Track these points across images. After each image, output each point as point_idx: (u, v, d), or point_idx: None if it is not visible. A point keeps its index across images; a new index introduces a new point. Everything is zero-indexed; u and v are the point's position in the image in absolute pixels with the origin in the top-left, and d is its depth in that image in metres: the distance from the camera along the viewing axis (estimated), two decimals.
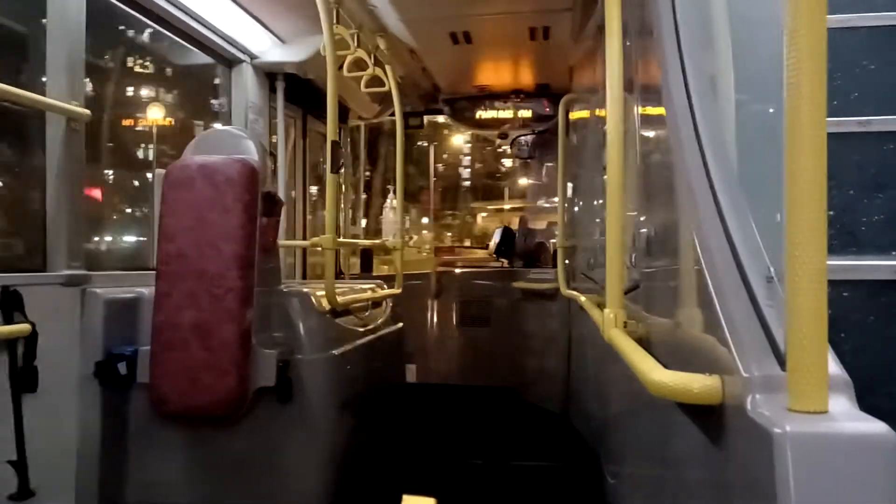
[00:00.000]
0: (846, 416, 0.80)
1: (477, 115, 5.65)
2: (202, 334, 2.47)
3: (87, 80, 2.82)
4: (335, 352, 2.97)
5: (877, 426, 0.77)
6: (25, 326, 2.28)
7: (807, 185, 0.80)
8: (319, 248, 3.15)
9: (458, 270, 6.19)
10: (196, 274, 2.49)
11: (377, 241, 5.10)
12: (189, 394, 2.47)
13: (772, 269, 1.02)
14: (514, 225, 6.24)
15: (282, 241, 3.60)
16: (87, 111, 2.62)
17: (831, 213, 0.81)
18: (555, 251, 4.92)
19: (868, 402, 0.85)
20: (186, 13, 3.51)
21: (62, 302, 2.52)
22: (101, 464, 2.60)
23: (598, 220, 3.00)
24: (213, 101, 4.45)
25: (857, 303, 1.35)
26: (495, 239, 5.92)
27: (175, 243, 2.52)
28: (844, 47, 1.81)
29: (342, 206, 5.69)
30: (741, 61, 1.44)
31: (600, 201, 2.84)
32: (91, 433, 2.59)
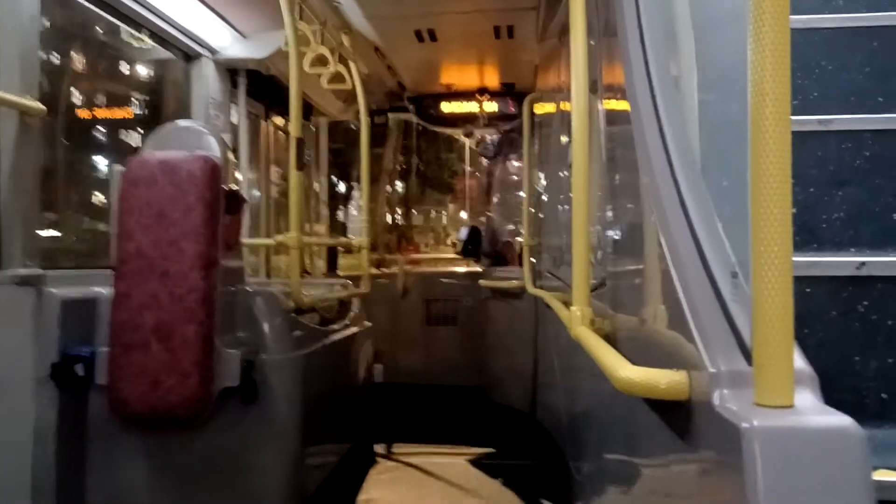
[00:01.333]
0: (812, 411, 0.81)
1: (442, 114, 5.64)
2: (163, 335, 2.42)
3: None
4: (301, 352, 2.93)
5: (842, 420, 0.78)
6: None
7: (771, 183, 0.81)
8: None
9: (424, 270, 6.19)
10: (156, 273, 2.44)
11: (343, 240, 5.07)
12: (150, 396, 2.42)
13: (736, 266, 1.03)
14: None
15: (245, 240, 3.55)
16: (42, 106, 2.55)
17: (793, 210, 0.82)
18: (521, 250, 4.94)
19: (832, 396, 0.86)
20: (143, 6, 3.43)
21: (16, 302, 2.45)
22: (58, 469, 2.53)
23: (563, 219, 3.01)
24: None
25: (819, 299, 1.38)
26: (461, 238, 5.91)
27: (134, 242, 2.46)
28: (805, 48, 1.84)
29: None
30: (705, 60, 1.46)
31: (566, 199, 2.85)
32: (47, 437, 2.51)
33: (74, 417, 2.61)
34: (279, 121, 5.21)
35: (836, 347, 1.35)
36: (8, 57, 2.49)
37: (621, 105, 1.63)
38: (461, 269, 6.09)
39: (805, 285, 1.37)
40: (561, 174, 3.19)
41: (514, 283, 4.90)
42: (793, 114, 0.82)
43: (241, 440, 2.68)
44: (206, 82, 4.11)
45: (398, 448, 4.10)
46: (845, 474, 0.75)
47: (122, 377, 2.43)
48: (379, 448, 4.23)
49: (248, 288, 2.86)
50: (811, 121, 1.66)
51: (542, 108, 4.62)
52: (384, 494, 3.53)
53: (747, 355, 0.90)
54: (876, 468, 1.04)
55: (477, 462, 3.86)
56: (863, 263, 1.40)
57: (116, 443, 2.65)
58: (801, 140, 1.56)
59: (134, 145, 4.29)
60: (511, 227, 6.01)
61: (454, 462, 4.05)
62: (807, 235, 1.53)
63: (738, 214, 1.13)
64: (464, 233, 5.97)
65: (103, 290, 2.66)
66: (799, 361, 0.85)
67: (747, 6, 0.83)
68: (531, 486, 3.57)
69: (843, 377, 1.32)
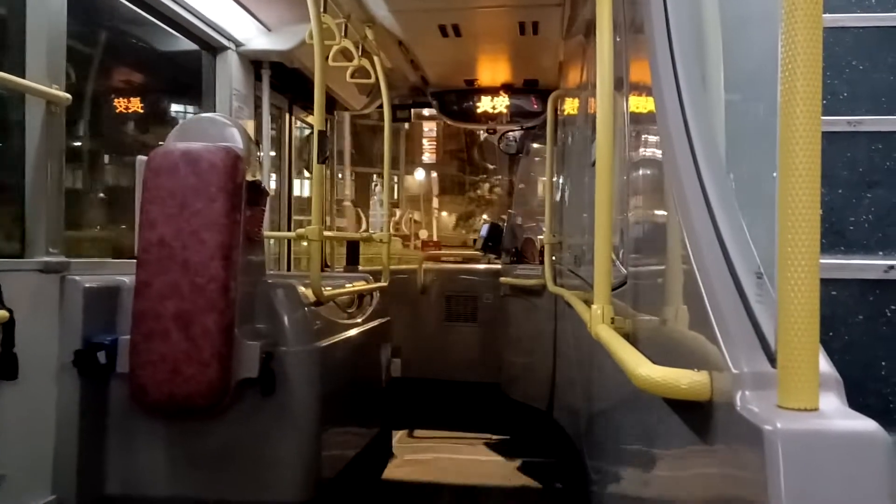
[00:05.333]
0: (837, 414, 0.80)
1: (465, 110, 5.63)
2: (183, 324, 2.44)
3: None
4: (320, 344, 2.94)
5: (867, 424, 0.77)
6: (3, 313, 2.24)
7: (800, 183, 0.80)
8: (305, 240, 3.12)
9: (444, 265, 6.19)
10: (178, 263, 2.46)
11: (364, 234, 5.08)
12: (170, 384, 2.44)
13: (761, 266, 1.02)
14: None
15: (267, 232, 3.57)
16: (68, 95, 2.58)
17: (821, 211, 0.81)
18: (542, 247, 4.92)
19: (857, 400, 0.85)
20: None
21: (41, 289, 2.48)
22: (79, 454, 2.56)
23: (585, 217, 3.00)
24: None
25: (845, 302, 1.36)
26: (482, 234, 5.90)
27: (156, 231, 2.48)
28: (836, 46, 1.81)
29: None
30: (732, 59, 1.44)
31: (588, 197, 2.84)
32: (69, 423, 2.55)
33: (96, 404, 2.64)
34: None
35: (863, 351, 1.32)
36: (36, 46, 2.53)
37: (646, 103, 1.61)
38: (481, 265, 6.09)
39: (831, 288, 1.35)
40: (584, 172, 3.17)
41: (535, 280, 4.88)
42: (822, 114, 0.80)
43: (259, 431, 2.70)
44: (231, 75, 4.13)
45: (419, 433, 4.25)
46: (869, 480, 0.74)
47: (143, 365, 2.46)
48: (399, 434, 4.39)
49: (268, 280, 2.88)
50: (840, 121, 1.64)
51: (566, 106, 4.59)
52: (406, 472, 3.56)
53: (771, 357, 0.88)
54: None
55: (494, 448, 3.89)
56: (891, 266, 1.37)
57: (136, 430, 2.68)
58: (829, 140, 1.54)
59: None
60: (532, 223, 5.98)
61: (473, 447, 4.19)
62: (834, 237, 1.50)
63: (765, 214, 1.12)
64: (484, 229, 5.96)
65: (125, 279, 2.69)
66: (824, 364, 0.84)
67: (779, 4, 0.82)
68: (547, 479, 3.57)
69: (869, 381, 1.30)
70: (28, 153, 2.51)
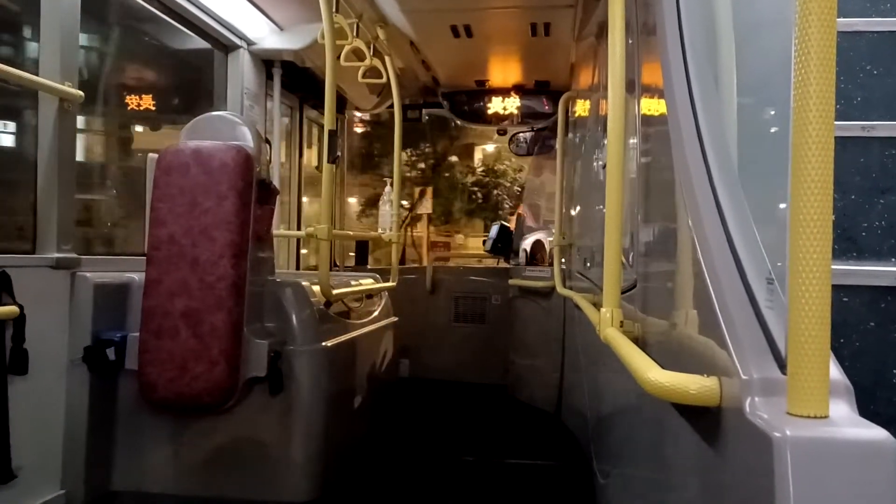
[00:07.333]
0: (847, 422, 0.79)
1: (475, 111, 5.62)
2: (192, 322, 2.45)
3: None
4: (328, 343, 2.95)
5: (877, 433, 0.76)
6: (13, 309, 2.25)
7: (812, 188, 0.79)
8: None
9: (453, 266, 6.19)
10: (187, 260, 2.47)
11: (373, 234, 5.08)
12: (178, 382, 2.45)
13: (772, 271, 1.01)
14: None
15: (276, 231, 3.58)
16: (81, 92, 2.59)
17: (833, 217, 0.80)
18: (551, 249, 4.91)
19: (868, 408, 0.84)
20: None
21: (51, 285, 2.50)
22: (88, 449, 2.58)
23: (596, 219, 2.99)
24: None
25: (856, 308, 1.35)
26: (492, 236, 5.90)
27: (166, 229, 2.49)
28: (850, 51, 1.80)
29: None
30: (744, 62, 1.43)
31: (599, 200, 2.83)
32: (78, 418, 2.56)
33: (105, 400, 2.65)
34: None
35: (874, 358, 1.31)
36: (49, 44, 2.54)
37: (658, 106, 1.60)
38: (490, 266, 6.09)
39: (842, 294, 1.34)
40: (594, 174, 3.16)
41: (544, 282, 4.87)
42: (835, 119, 0.80)
43: (267, 429, 2.70)
44: (242, 73, 4.15)
45: None
46: (879, 488, 0.73)
47: (151, 362, 2.47)
48: None
49: (277, 279, 2.88)
50: (854, 126, 1.63)
51: (577, 108, 4.58)
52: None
53: (781, 363, 0.88)
54: None
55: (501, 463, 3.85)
56: None
57: (144, 427, 2.69)
58: (842, 146, 1.53)
59: None
60: (542, 225, 5.97)
61: None
62: (846, 243, 1.49)
63: (776, 219, 1.11)
64: (494, 231, 5.95)
65: (135, 276, 2.70)
66: (834, 371, 0.83)
67: (792, 8, 0.82)
68: (554, 488, 3.55)
69: (880, 389, 1.29)
70: (41, 150, 2.52)
